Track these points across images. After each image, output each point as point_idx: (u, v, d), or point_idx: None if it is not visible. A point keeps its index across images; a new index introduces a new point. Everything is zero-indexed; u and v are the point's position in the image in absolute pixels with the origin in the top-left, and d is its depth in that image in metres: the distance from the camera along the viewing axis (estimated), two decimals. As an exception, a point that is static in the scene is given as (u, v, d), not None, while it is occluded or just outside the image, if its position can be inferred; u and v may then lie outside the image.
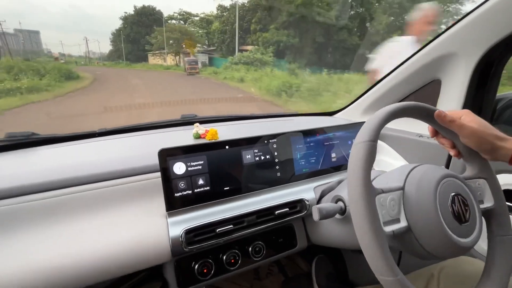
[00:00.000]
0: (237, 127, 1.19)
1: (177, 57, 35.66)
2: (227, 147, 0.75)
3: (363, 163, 0.47)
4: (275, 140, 0.82)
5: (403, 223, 0.51)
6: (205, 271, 0.71)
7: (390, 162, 1.06)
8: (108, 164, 0.74)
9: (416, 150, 1.01)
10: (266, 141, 0.80)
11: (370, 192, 0.46)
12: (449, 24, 0.90)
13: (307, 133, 0.87)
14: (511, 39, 0.78)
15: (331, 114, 1.46)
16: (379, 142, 1.13)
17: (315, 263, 1.30)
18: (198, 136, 0.99)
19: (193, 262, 0.70)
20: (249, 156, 0.78)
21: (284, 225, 0.82)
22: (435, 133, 0.63)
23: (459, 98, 0.90)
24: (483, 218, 0.58)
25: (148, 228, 0.64)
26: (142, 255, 0.62)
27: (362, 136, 0.50)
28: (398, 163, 1.05)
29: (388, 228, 0.48)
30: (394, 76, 1.12)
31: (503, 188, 0.79)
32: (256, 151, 0.79)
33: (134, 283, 0.69)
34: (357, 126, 1.00)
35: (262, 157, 0.80)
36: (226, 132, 1.03)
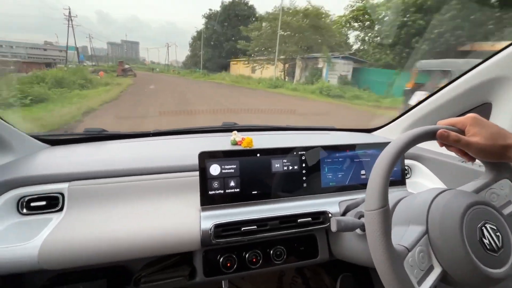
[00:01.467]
0: (273, 137, 1.26)
1: (286, 65, 19.51)
2: (258, 155, 0.82)
3: (383, 237, 0.46)
4: (304, 152, 0.86)
5: (438, 269, 0.50)
6: (228, 265, 0.78)
7: (426, 186, 1.02)
8: (160, 160, 0.88)
9: (455, 173, 0.95)
10: (295, 153, 0.86)
11: (396, 263, 0.45)
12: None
13: (336, 148, 0.90)
14: None
15: (369, 131, 1.44)
16: (416, 164, 1.09)
17: (340, 280, 1.27)
18: (235, 143, 1.09)
19: (219, 255, 0.78)
20: (278, 165, 0.84)
21: (306, 234, 0.85)
22: (443, 144, 0.60)
23: (510, 124, 0.83)
24: None
25: (184, 218, 0.75)
26: (177, 240, 0.72)
27: (371, 202, 0.48)
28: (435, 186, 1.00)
29: (425, 286, 0.47)
30: (439, 96, 1.08)
31: None
32: (285, 161, 0.85)
33: (168, 265, 0.80)
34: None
35: (290, 167, 0.85)
36: (261, 141, 1.11)
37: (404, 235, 0.53)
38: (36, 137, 0.99)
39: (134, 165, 0.85)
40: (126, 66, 20.88)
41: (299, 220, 0.80)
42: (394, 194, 0.69)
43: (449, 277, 0.50)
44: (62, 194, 0.76)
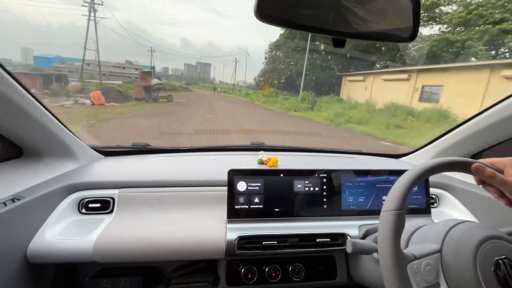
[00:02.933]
0: (298, 158, 1.32)
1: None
2: (281, 175, 0.89)
3: (392, 236, 0.50)
4: (325, 175, 0.91)
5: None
6: (249, 276, 0.84)
7: (454, 217, 0.99)
8: (194, 175, 1.00)
9: (487, 207, 0.92)
10: (317, 175, 0.91)
11: (399, 262, 0.49)
12: None
13: (358, 172, 0.93)
14: None
15: (397, 156, 1.43)
16: (444, 193, 1.06)
17: None
18: (261, 162, 1.17)
19: (241, 266, 0.85)
20: (300, 186, 0.90)
21: (325, 254, 0.88)
22: (482, 182, 0.59)
23: None
24: None
25: (212, 228, 0.83)
26: (204, 247, 0.80)
27: (389, 204, 0.52)
28: (465, 219, 0.96)
29: None
30: (473, 123, 1.05)
31: None
32: (306, 182, 0.90)
33: (194, 270, 0.88)
34: None
35: (311, 188, 0.90)
36: (286, 161, 1.18)
37: (417, 248, 0.56)
38: (94, 148, 1.17)
39: (172, 178, 0.97)
40: (155, 82, 15.15)
41: (317, 240, 0.84)
42: (416, 221, 0.70)
43: None
44: (113, 199, 0.90)
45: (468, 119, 1.07)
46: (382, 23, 0.51)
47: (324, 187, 0.91)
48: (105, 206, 0.90)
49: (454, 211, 1.01)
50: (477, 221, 0.95)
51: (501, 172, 0.56)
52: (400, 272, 0.48)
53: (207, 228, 0.84)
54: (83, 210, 0.89)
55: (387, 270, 0.49)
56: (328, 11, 0.47)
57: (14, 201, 0.70)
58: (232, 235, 0.81)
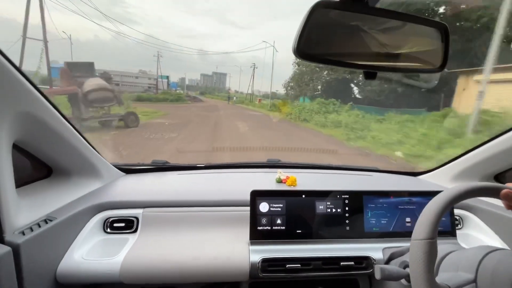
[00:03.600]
0: (315, 176, 1.32)
1: None
2: (303, 196, 0.90)
3: (425, 267, 0.49)
4: (348, 196, 0.91)
5: None
6: None
7: (480, 239, 0.96)
8: (214, 194, 1.01)
9: None
10: (338, 196, 0.91)
11: None
12: None
13: (380, 193, 0.93)
14: None
15: (416, 174, 1.41)
16: (468, 214, 1.04)
17: None
18: (280, 181, 1.17)
19: None
20: (322, 207, 0.90)
21: (348, 278, 0.87)
22: (510, 207, 0.58)
23: None
24: None
25: (235, 249, 0.84)
26: (228, 270, 0.80)
27: (420, 232, 0.51)
28: (490, 242, 0.94)
29: None
30: (496, 143, 1.04)
31: None
32: (328, 203, 0.90)
33: None
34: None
35: (334, 210, 0.90)
36: (304, 179, 1.18)
37: (450, 277, 0.54)
38: (116, 166, 1.20)
39: (193, 198, 0.99)
40: (92, 84, 7.79)
41: (342, 263, 0.83)
42: (444, 246, 0.69)
43: None
44: (137, 218, 0.92)
45: (491, 139, 1.06)
46: (412, 57, 0.53)
47: (346, 208, 0.91)
48: (129, 225, 0.92)
49: (480, 234, 0.99)
50: (505, 244, 0.92)
51: None
52: None
53: (230, 249, 0.84)
54: (108, 230, 0.91)
55: None
56: (361, 48, 0.48)
57: (47, 222, 0.72)
58: (256, 257, 0.81)
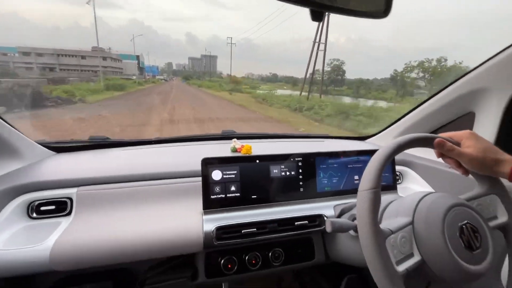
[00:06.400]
0: (270, 145, 1.31)
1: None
2: (257, 161, 0.87)
3: (369, 213, 0.51)
4: (301, 158, 0.92)
5: (416, 257, 0.55)
6: (229, 266, 0.82)
7: (416, 190, 1.07)
8: (162, 166, 0.93)
9: (444, 179, 1.01)
10: (292, 159, 0.91)
11: (379, 239, 0.51)
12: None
13: (331, 154, 0.95)
14: None
15: (363, 138, 1.50)
16: (406, 169, 1.14)
17: (345, 282, 1.29)
18: (235, 150, 1.14)
19: (220, 257, 0.82)
20: (276, 171, 0.89)
21: (303, 237, 0.89)
22: (441, 154, 0.65)
23: (491, 133, 0.90)
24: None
25: (187, 221, 0.79)
26: (181, 242, 0.75)
27: (365, 183, 0.54)
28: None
29: (402, 267, 0.52)
30: (428, 105, 1.14)
31: None
32: (282, 167, 0.90)
33: (171, 267, 0.83)
34: None
35: (288, 173, 0.90)
36: (259, 148, 1.16)
37: (391, 222, 0.59)
38: (43, 144, 1.03)
39: (138, 171, 0.89)
40: None
41: (296, 223, 0.84)
42: (386, 197, 0.74)
43: (426, 267, 0.55)
44: (71, 199, 0.80)
45: (425, 101, 1.16)
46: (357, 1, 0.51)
47: (300, 170, 0.91)
48: (62, 208, 0.80)
49: (416, 185, 1.10)
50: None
51: (458, 145, 0.62)
52: (380, 247, 0.50)
53: (182, 221, 0.79)
54: (34, 215, 0.78)
55: (369, 246, 0.50)
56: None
57: None
58: (210, 226, 0.78)
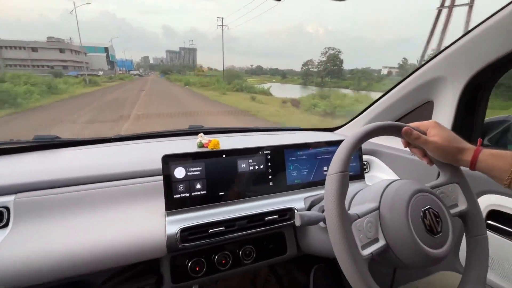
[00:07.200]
0: (239, 139, 1.27)
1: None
2: (224, 156, 0.83)
3: (337, 196, 0.51)
4: (269, 151, 0.89)
5: (381, 242, 0.55)
6: (197, 269, 0.77)
7: (383, 178, 1.10)
8: (120, 166, 0.84)
9: (408, 167, 1.04)
10: (260, 152, 0.88)
11: (345, 222, 0.50)
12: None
13: (300, 146, 0.93)
14: (496, 65, 0.82)
15: (332, 130, 1.52)
16: (373, 158, 1.17)
17: (313, 272, 1.31)
18: (201, 145, 1.08)
19: (187, 260, 0.77)
20: (244, 165, 0.85)
21: (275, 231, 0.87)
22: (408, 144, 0.68)
23: (448, 120, 0.94)
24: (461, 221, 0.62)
25: (148, 224, 0.72)
26: (141, 248, 0.69)
27: (333, 167, 0.54)
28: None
29: (367, 251, 0.52)
30: (391, 95, 1.17)
31: (487, 209, 0.82)
32: (250, 161, 0.86)
33: (132, 275, 0.76)
34: None
35: (256, 167, 0.87)
36: (228, 142, 1.11)
37: (358, 208, 0.59)
38: None
39: (91, 173, 0.80)
40: None
41: (266, 218, 0.81)
42: (355, 185, 0.74)
43: (390, 251, 0.56)
44: (7, 208, 0.69)
45: (389, 90, 1.19)
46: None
47: (269, 164, 0.88)
48: None
49: (383, 174, 1.13)
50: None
51: (424, 133, 0.63)
52: (346, 231, 0.50)
53: (143, 225, 0.72)
54: None
55: (334, 229, 0.50)
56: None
57: None
58: (173, 228, 0.72)
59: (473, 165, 0.60)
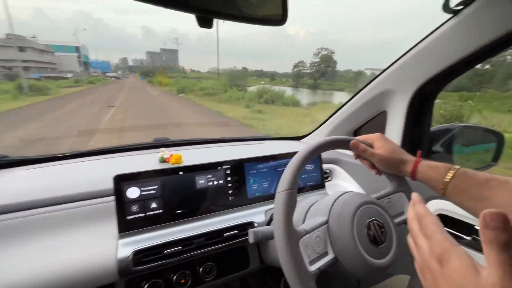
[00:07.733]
0: (204, 151, 1.26)
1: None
2: (180, 173, 0.81)
3: (284, 214, 0.52)
4: (229, 166, 0.89)
5: (331, 255, 0.57)
6: None
7: (344, 187, 1.14)
8: (73, 187, 0.80)
9: (368, 175, 1.09)
10: (219, 167, 0.87)
11: (291, 239, 0.51)
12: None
13: (260, 159, 0.94)
14: (437, 78, 0.89)
15: (299, 138, 1.55)
16: (335, 167, 1.21)
17: (283, 281, 1.32)
18: (163, 160, 1.05)
19: (144, 282, 0.74)
20: (202, 181, 0.84)
21: (236, 246, 0.87)
22: (358, 156, 0.72)
23: (399, 129, 0.99)
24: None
25: (97, 249, 0.69)
26: (90, 274, 0.66)
27: (281, 185, 0.55)
28: (352, 187, 1.12)
29: (314, 267, 0.53)
30: (349, 105, 1.22)
31: (435, 213, 0.87)
32: (209, 176, 0.85)
33: None
34: None
35: (215, 182, 0.86)
36: (191, 155, 1.09)
37: (309, 223, 0.60)
38: None
39: (40, 196, 0.75)
40: None
41: (225, 234, 0.81)
42: (311, 197, 0.76)
43: (339, 264, 0.58)
44: None
45: (347, 102, 1.24)
46: (252, 6, 0.49)
47: (229, 178, 0.88)
48: None
49: (344, 182, 1.17)
50: (361, 188, 1.12)
51: (372, 146, 0.67)
52: (292, 248, 0.51)
53: (91, 250, 0.69)
54: None
55: (281, 246, 0.51)
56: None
57: None
58: (126, 251, 0.69)
59: (413, 176, 0.64)
